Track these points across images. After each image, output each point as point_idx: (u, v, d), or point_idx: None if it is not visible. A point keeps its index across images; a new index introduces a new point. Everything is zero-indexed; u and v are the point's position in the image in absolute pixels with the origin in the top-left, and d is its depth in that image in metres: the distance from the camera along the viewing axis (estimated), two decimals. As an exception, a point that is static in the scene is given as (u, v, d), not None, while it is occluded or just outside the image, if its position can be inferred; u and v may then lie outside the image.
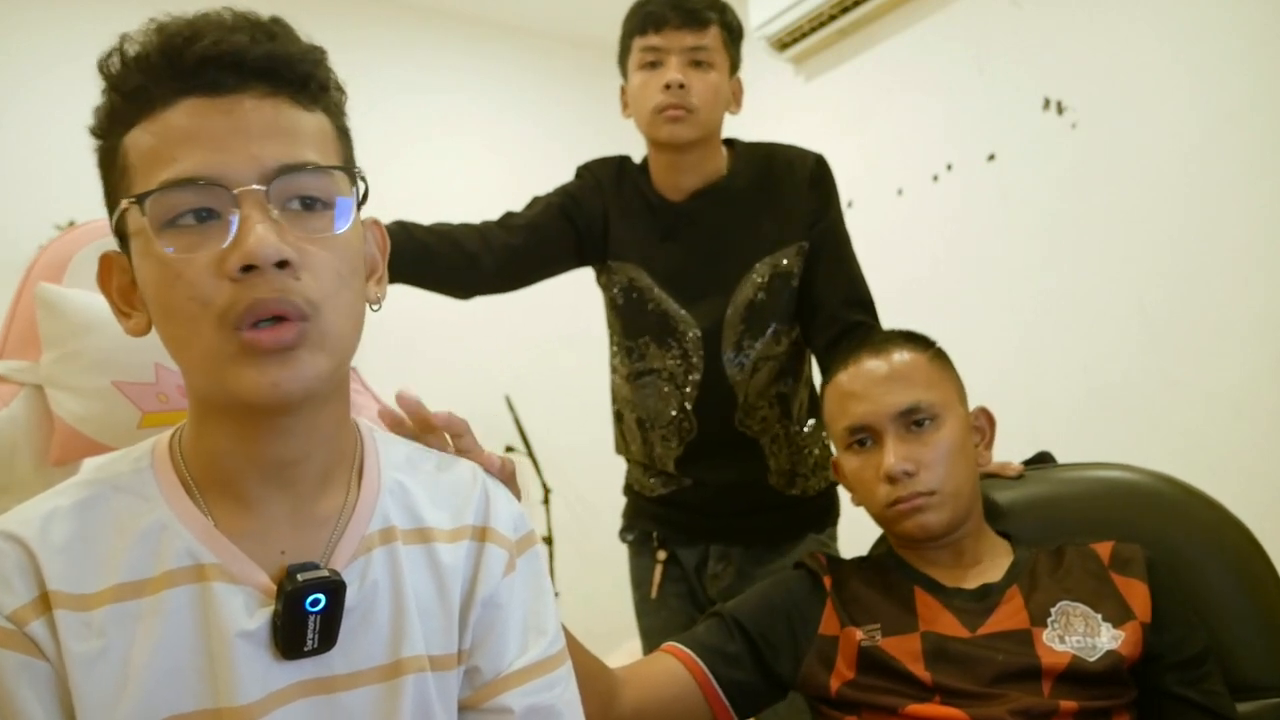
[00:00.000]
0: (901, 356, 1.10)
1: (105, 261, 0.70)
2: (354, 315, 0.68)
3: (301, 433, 0.68)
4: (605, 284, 1.55)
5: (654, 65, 1.43)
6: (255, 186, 0.62)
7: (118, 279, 0.70)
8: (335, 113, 0.71)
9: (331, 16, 3.30)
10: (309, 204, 0.65)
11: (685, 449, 1.50)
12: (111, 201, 0.68)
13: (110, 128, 0.66)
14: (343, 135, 0.71)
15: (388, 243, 0.78)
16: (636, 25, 1.45)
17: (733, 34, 1.47)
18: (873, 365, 1.10)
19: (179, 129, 0.62)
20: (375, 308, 0.74)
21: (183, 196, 0.62)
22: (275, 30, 0.66)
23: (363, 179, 0.70)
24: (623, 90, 1.52)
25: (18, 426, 0.91)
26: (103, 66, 0.65)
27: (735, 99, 1.51)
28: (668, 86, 1.40)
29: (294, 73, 0.66)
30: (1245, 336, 2.06)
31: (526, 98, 3.60)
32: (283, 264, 0.62)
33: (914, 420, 1.06)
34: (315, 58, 0.68)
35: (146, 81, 0.63)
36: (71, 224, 0.99)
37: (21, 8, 2.69)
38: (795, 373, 1.53)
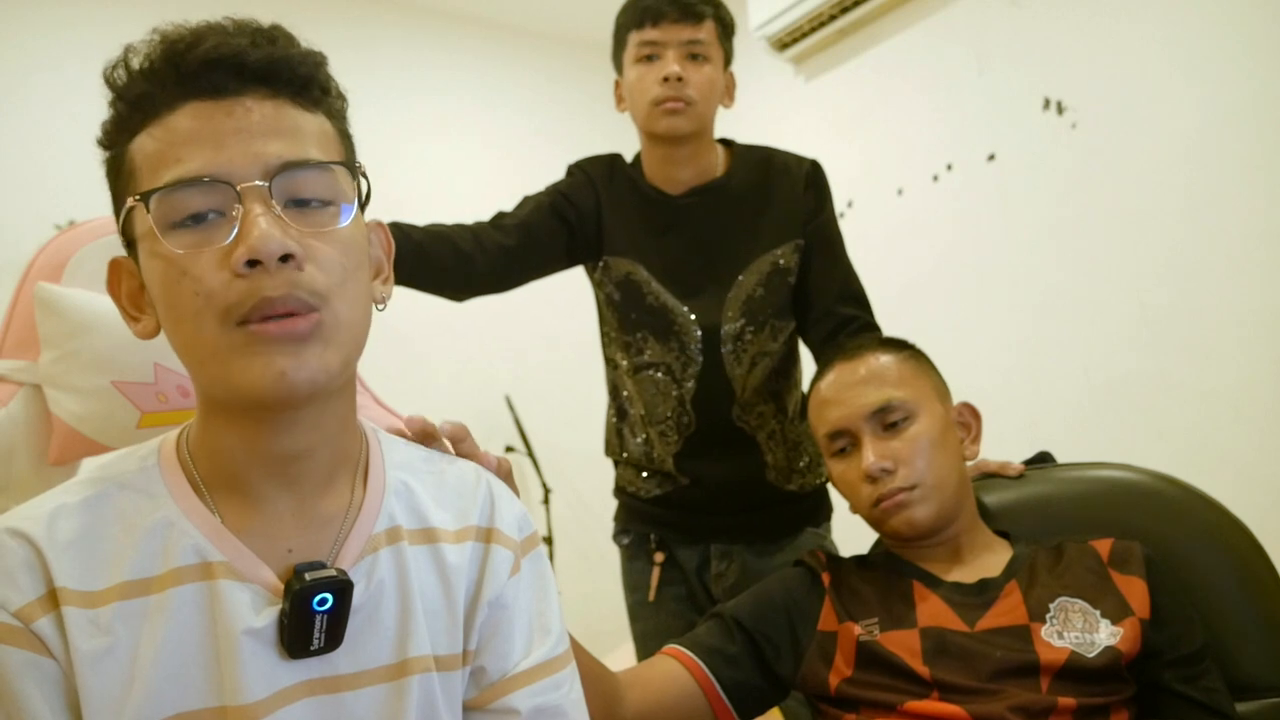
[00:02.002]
0: (874, 360, 1.13)
1: (114, 267, 0.71)
2: (362, 308, 0.69)
3: (307, 427, 0.68)
4: (600, 280, 1.54)
5: (651, 59, 1.44)
6: (258, 183, 0.63)
7: (126, 283, 0.70)
8: (336, 116, 0.72)
9: (332, 15, 3.31)
10: (311, 201, 0.66)
11: (684, 444, 1.50)
12: (119, 208, 0.68)
13: (116, 137, 0.67)
14: (344, 138, 0.72)
15: (392, 245, 0.78)
16: (633, 19, 1.45)
17: (726, 28, 1.49)
18: (846, 371, 1.13)
19: (183, 131, 0.63)
20: (380, 307, 0.74)
21: (187, 195, 0.63)
22: (275, 35, 0.68)
23: (364, 176, 0.71)
24: (617, 85, 1.52)
25: (16, 426, 0.91)
26: (108, 77, 0.66)
27: (728, 92, 1.53)
28: (666, 79, 1.41)
29: (294, 75, 0.67)
30: (1245, 336, 2.06)
31: (525, 98, 3.60)
32: (287, 258, 0.62)
33: (889, 419, 1.08)
34: (315, 61, 0.69)
35: (151, 88, 0.64)
36: (71, 224, 0.99)
37: (22, 8, 2.69)
38: (789, 371, 1.54)
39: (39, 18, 2.70)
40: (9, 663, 0.60)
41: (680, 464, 1.51)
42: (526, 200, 1.52)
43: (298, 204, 0.65)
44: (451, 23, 3.46)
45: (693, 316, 1.46)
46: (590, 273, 1.57)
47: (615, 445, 1.62)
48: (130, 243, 0.68)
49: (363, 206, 0.72)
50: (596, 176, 1.54)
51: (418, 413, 0.88)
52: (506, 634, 0.75)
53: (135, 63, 0.65)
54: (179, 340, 0.65)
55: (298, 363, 0.62)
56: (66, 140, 2.64)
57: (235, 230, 0.62)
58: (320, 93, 0.69)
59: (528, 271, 1.51)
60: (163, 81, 0.64)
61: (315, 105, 0.69)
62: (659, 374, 1.49)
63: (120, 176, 0.67)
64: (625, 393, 1.57)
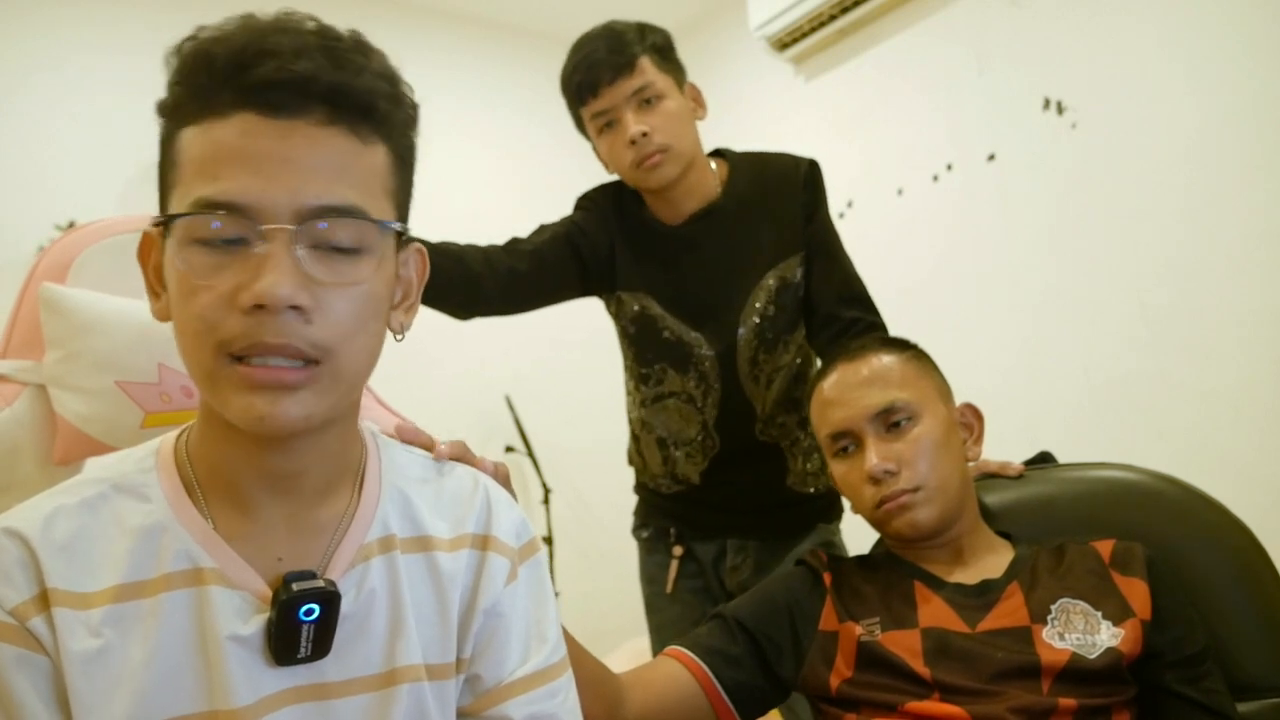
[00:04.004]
0: (878, 360, 1.12)
1: (147, 237, 0.70)
2: (367, 355, 0.68)
3: (305, 448, 0.68)
4: (615, 314, 1.55)
5: (609, 125, 1.42)
6: (286, 225, 0.61)
7: (155, 257, 0.69)
8: (397, 139, 0.69)
9: (330, 15, 3.29)
10: (339, 248, 0.64)
11: (710, 463, 1.52)
12: (162, 182, 0.67)
13: (170, 114, 0.66)
14: (401, 163, 0.70)
15: (427, 271, 0.77)
16: (575, 96, 1.43)
17: (663, 52, 1.45)
18: (849, 372, 1.12)
19: (229, 145, 0.61)
20: (399, 337, 0.73)
21: (211, 220, 0.61)
22: (349, 59, 0.65)
23: (403, 230, 0.69)
24: (595, 151, 1.51)
25: (21, 426, 0.91)
26: (172, 54, 0.64)
27: (698, 105, 1.50)
28: (633, 142, 1.39)
29: (356, 104, 0.64)
30: (1245, 336, 2.07)
31: (525, 98, 3.60)
32: (296, 307, 0.61)
33: (892, 420, 1.08)
34: (381, 90, 0.67)
35: (211, 82, 0.62)
36: (72, 224, 1.00)
37: (22, 8, 2.69)
38: (807, 374, 1.54)
39: (39, 18, 2.70)
40: (4, 658, 0.60)
41: (706, 479, 1.53)
42: (543, 228, 1.52)
43: (324, 248, 0.63)
44: (451, 22, 3.46)
45: (707, 344, 1.47)
46: (606, 305, 1.58)
47: (637, 461, 1.63)
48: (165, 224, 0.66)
49: (401, 240, 0.70)
50: (608, 210, 1.53)
51: (418, 413, 0.88)
52: (502, 642, 0.75)
53: (202, 48, 0.63)
54: (180, 348, 0.65)
55: (277, 410, 0.61)
56: (66, 140, 2.64)
57: (253, 265, 0.61)
58: (381, 120, 0.67)
59: (537, 298, 1.51)
60: (224, 82, 0.62)
61: (374, 134, 0.66)
62: (681, 402, 1.50)
63: (167, 156, 0.66)
64: (641, 418, 1.57)
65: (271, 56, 0.61)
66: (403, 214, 0.71)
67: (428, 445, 0.85)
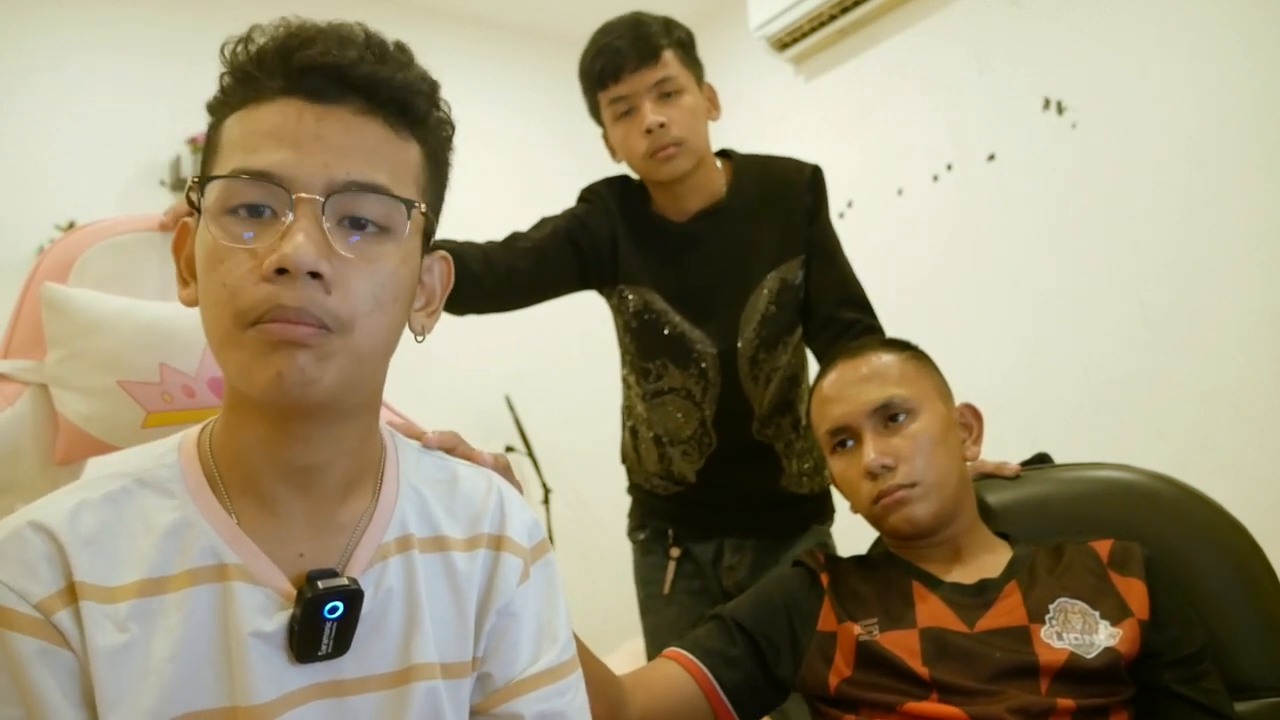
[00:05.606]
0: (877, 359, 1.13)
1: (183, 229, 0.71)
2: (384, 340, 0.69)
3: (325, 441, 0.69)
4: (617, 306, 1.55)
5: (627, 113, 1.42)
6: (315, 195, 0.63)
7: (189, 247, 0.70)
8: (432, 144, 0.72)
9: (330, 16, 3.29)
10: (364, 225, 0.66)
11: (706, 462, 1.52)
12: (201, 171, 0.69)
13: (218, 108, 0.68)
14: (433, 166, 0.72)
15: (452, 279, 0.78)
16: (596, 79, 1.43)
17: (687, 48, 1.46)
18: (849, 369, 1.13)
19: (268, 123, 0.64)
20: (419, 339, 0.75)
21: (245, 189, 0.64)
22: (388, 55, 0.68)
23: (426, 214, 0.71)
24: (604, 138, 1.51)
25: (23, 426, 0.92)
26: (225, 50, 0.67)
27: (713, 105, 1.51)
28: (649, 131, 1.40)
29: (393, 97, 0.67)
30: (1245, 336, 2.07)
31: (525, 98, 3.60)
32: (317, 275, 0.62)
33: (890, 416, 1.08)
34: (420, 89, 0.69)
35: (257, 72, 0.66)
36: (72, 224, 1.00)
37: (22, 8, 2.69)
38: (799, 377, 1.55)
39: (39, 18, 2.70)
40: (27, 651, 0.60)
41: (702, 478, 1.53)
42: (544, 222, 1.52)
43: (353, 225, 0.65)
44: (451, 22, 3.46)
45: (709, 341, 1.47)
46: (607, 298, 1.58)
47: (632, 458, 1.63)
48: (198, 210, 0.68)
49: (426, 240, 0.72)
50: (612, 204, 1.53)
51: (418, 412, 0.88)
52: (514, 641, 0.76)
53: (254, 43, 0.66)
54: (204, 320, 0.66)
55: (293, 365, 0.62)
56: (66, 140, 2.64)
57: (280, 234, 0.62)
58: (416, 120, 0.70)
59: (535, 294, 1.51)
60: (269, 70, 0.65)
61: (408, 130, 0.69)
62: (680, 399, 1.50)
63: (209, 146, 0.68)
64: (639, 414, 1.58)
65: (315, 44, 0.65)
66: (432, 216, 0.72)
67: (416, 438, 0.85)
